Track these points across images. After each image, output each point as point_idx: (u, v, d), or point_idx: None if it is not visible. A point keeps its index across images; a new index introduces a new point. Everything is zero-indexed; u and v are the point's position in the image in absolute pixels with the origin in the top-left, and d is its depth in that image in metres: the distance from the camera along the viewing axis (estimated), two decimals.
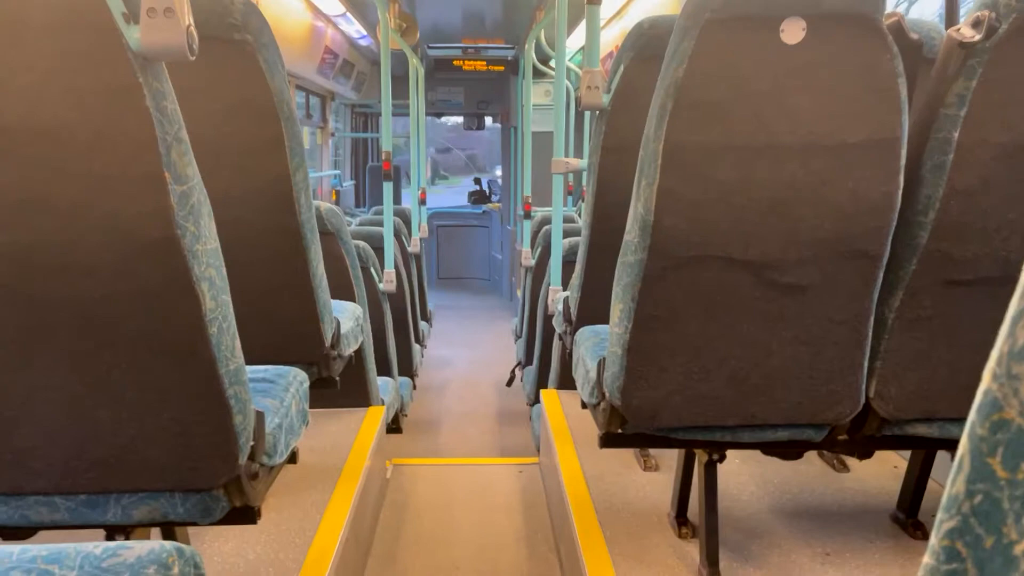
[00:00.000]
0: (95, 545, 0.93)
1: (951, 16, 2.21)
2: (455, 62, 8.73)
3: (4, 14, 1.01)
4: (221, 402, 1.29)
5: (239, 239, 1.72)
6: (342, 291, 2.85)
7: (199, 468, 1.34)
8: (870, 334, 1.64)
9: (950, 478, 0.45)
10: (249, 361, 1.38)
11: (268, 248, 1.98)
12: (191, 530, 1.98)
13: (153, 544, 0.93)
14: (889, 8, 1.50)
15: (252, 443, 1.39)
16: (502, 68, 8.90)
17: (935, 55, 1.54)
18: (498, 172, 13.41)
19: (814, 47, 1.42)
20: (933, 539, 0.45)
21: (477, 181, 11.65)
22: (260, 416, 1.44)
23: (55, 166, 1.08)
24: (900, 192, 1.51)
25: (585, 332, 2.14)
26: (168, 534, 1.70)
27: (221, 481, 1.36)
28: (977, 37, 1.41)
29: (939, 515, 0.45)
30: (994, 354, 0.43)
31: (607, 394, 1.74)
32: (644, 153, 1.52)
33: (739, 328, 1.62)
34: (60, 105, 1.05)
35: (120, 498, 1.37)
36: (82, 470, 1.31)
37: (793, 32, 1.41)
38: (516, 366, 5.27)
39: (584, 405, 2.00)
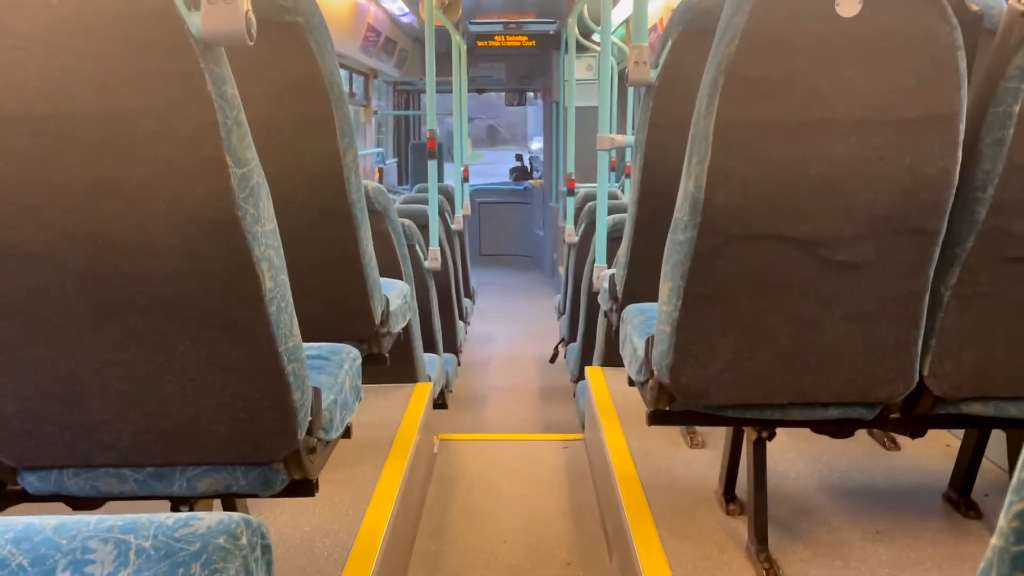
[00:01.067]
0: (167, 516, 0.97)
1: None
2: (496, 37, 8.70)
3: (72, 6, 1.04)
4: (280, 379, 1.33)
5: (291, 218, 1.75)
6: (389, 269, 2.89)
7: (260, 442, 1.38)
8: (925, 312, 1.62)
9: (1021, 461, 0.45)
10: (302, 338, 1.41)
11: (319, 227, 2.02)
12: (249, 502, 2.04)
13: (222, 515, 0.97)
14: None
15: (310, 418, 1.43)
16: (542, 43, 8.84)
17: (996, 26, 1.50)
18: (533, 145, 13.32)
19: (871, 20, 1.39)
20: (1003, 520, 0.46)
21: (519, 157, 11.63)
22: (317, 392, 1.47)
23: (122, 150, 1.11)
24: (958, 167, 1.48)
25: (632, 310, 2.14)
26: (228, 506, 1.76)
27: (281, 455, 1.40)
28: None
29: (1009, 496, 0.46)
30: None
31: (656, 372, 1.74)
32: (695, 130, 1.51)
33: (790, 306, 1.61)
34: (126, 91, 1.08)
35: (185, 470, 1.43)
36: (150, 443, 1.36)
37: (849, 5, 1.38)
38: (559, 343, 5.29)
39: (631, 382, 2.01)
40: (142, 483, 1.43)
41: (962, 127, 1.46)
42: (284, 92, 1.83)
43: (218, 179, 1.14)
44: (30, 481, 1.44)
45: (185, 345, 1.29)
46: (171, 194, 1.15)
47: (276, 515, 2.16)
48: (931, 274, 1.58)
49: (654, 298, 1.77)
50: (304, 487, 1.50)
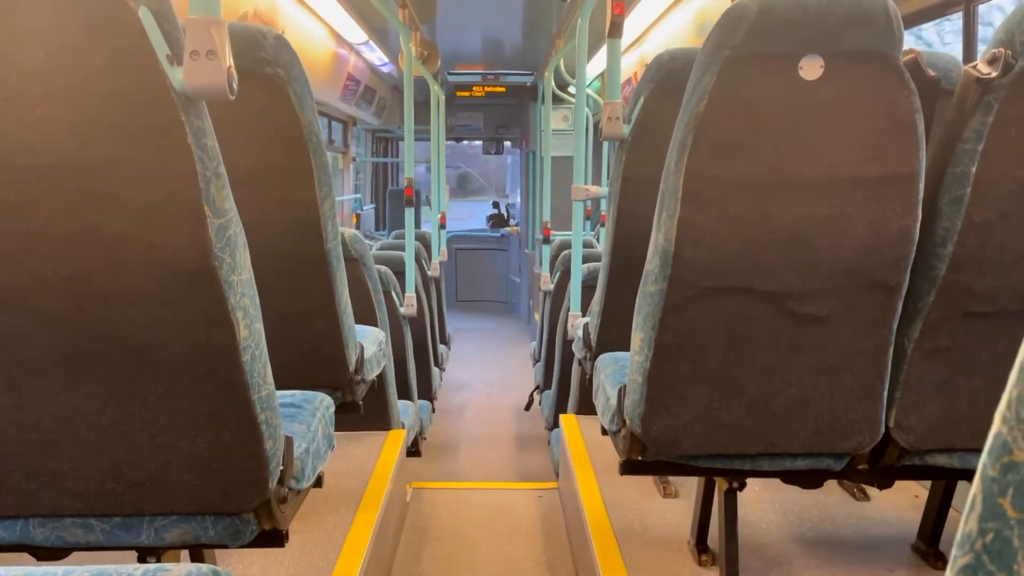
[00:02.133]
0: (135, 567, 0.96)
1: (968, 52, 2.24)
2: (474, 88, 8.84)
3: (57, 56, 1.06)
4: (253, 428, 1.32)
5: (267, 266, 1.77)
6: (364, 316, 2.89)
7: (230, 492, 1.37)
8: (889, 364, 1.65)
9: (964, 515, 0.47)
10: (275, 385, 1.42)
11: (295, 275, 2.03)
12: (218, 552, 2.01)
13: (191, 567, 0.97)
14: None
15: (282, 468, 1.43)
16: (520, 94, 9.00)
17: (953, 87, 1.57)
18: (512, 198, 13.44)
19: (832, 83, 1.45)
20: (948, 574, 0.48)
21: (495, 205, 11.73)
22: (289, 441, 1.47)
23: (102, 200, 1.13)
24: (918, 225, 1.53)
25: (605, 359, 2.16)
26: (196, 556, 1.73)
27: (252, 505, 1.39)
28: (994, 74, 1.43)
29: (954, 551, 0.48)
30: (1004, 397, 0.45)
31: (628, 421, 1.76)
32: (665, 186, 1.55)
33: (759, 357, 1.64)
34: (106, 142, 1.10)
35: (153, 520, 1.41)
36: (118, 493, 1.35)
37: (812, 69, 1.44)
38: (535, 390, 5.29)
39: (604, 431, 2.02)
40: (109, 533, 1.41)
41: (921, 186, 1.51)
42: (263, 142, 1.86)
43: (196, 229, 1.16)
44: None
45: (157, 393, 1.28)
46: (148, 243, 1.16)
47: (245, 566, 2.13)
48: (894, 327, 1.62)
49: (627, 346, 1.79)
50: (274, 537, 1.49)
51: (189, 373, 1.27)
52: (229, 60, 1.11)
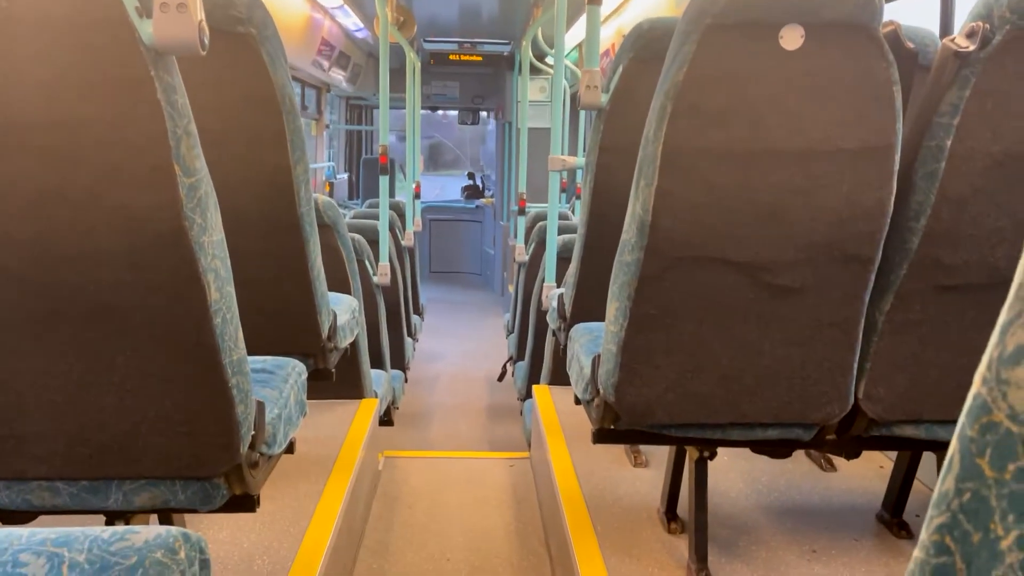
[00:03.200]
0: (102, 529, 0.95)
1: (946, 25, 2.24)
2: (451, 56, 8.74)
3: (22, 10, 1.03)
4: (224, 392, 1.31)
5: (239, 230, 1.74)
6: (337, 284, 2.87)
7: (201, 456, 1.36)
8: (860, 337, 1.67)
9: (940, 476, 0.47)
10: (247, 351, 1.40)
11: (267, 240, 2.00)
12: (188, 517, 2.00)
13: (159, 529, 0.96)
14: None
15: (253, 433, 1.41)
16: (497, 64, 8.91)
17: (931, 63, 1.57)
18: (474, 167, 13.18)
19: (812, 54, 1.45)
20: (924, 534, 0.48)
21: (471, 176, 11.67)
22: (261, 406, 1.46)
23: (70, 158, 1.09)
24: (893, 198, 1.54)
25: (579, 329, 2.16)
26: (165, 521, 1.72)
27: (222, 469, 1.38)
28: (971, 47, 1.44)
29: (929, 511, 0.48)
30: (984, 359, 0.45)
31: (601, 391, 1.76)
32: (643, 154, 1.55)
33: (733, 328, 1.65)
34: (75, 98, 1.07)
35: (122, 484, 1.39)
36: (85, 456, 1.33)
37: (792, 39, 1.44)
38: (508, 361, 5.30)
39: (578, 401, 2.03)
40: (76, 496, 1.39)
41: (897, 159, 1.52)
42: (235, 103, 1.82)
43: (166, 189, 1.13)
44: None
45: (126, 355, 1.26)
46: (117, 203, 1.13)
47: (215, 531, 2.12)
48: (866, 300, 1.64)
49: (602, 318, 1.79)
50: (245, 503, 1.48)
51: (158, 335, 1.25)
52: (200, 14, 1.08)
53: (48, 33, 1.04)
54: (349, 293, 2.94)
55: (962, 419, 0.46)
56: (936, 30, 2.43)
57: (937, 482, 0.48)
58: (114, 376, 1.27)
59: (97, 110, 1.09)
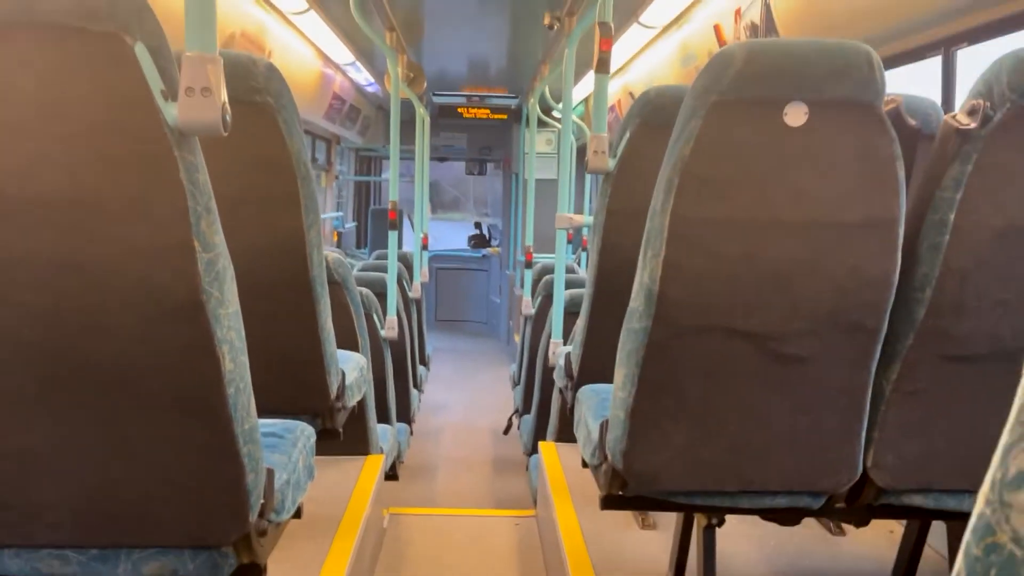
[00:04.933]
0: None
1: (947, 96, 2.29)
2: (459, 109, 8.89)
3: (50, 88, 1.06)
4: (235, 461, 1.32)
5: (251, 292, 1.76)
6: (345, 339, 2.88)
7: (210, 525, 1.36)
8: (868, 405, 1.67)
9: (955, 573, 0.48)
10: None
11: (278, 301, 2.03)
12: None
13: None
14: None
15: (262, 500, 1.42)
16: (504, 116, 9.05)
17: (934, 131, 1.60)
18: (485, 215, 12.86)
19: (816, 130, 1.48)
20: None
21: (478, 225, 11.76)
22: (270, 473, 1.46)
23: (90, 233, 1.12)
24: (898, 269, 1.56)
25: (587, 391, 2.17)
26: None
27: (232, 538, 1.38)
28: (973, 125, 1.47)
29: None
30: (987, 479, 0.46)
31: (609, 456, 1.76)
32: (651, 225, 1.57)
33: (740, 396, 1.65)
34: (99, 176, 1.10)
35: (131, 553, 1.39)
36: (96, 525, 1.33)
37: (796, 116, 1.47)
38: (513, 414, 5.28)
39: (585, 464, 2.03)
40: (86, 565, 1.39)
41: (901, 231, 1.54)
42: (250, 169, 1.86)
43: (185, 263, 1.15)
44: None
45: (138, 426, 1.27)
46: (136, 277, 1.15)
47: None
48: (873, 369, 1.65)
49: (609, 378, 1.80)
50: (252, 572, 1.47)
51: (171, 405, 1.26)
52: (224, 97, 1.12)
53: (73, 113, 1.08)
54: (357, 348, 2.95)
55: (967, 536, 0.47)
56: (937, 98, 2.49)
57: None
58: (126, 445, 1.28)
59: (120, 188, 1.11)
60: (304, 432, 1.77)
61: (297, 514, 1.68)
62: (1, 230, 1.11)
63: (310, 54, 5.15)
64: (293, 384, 2.13)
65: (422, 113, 5.93)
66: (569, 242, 7.00)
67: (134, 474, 1.30)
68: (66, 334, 1.19)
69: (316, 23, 4.53)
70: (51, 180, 1.10)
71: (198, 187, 1.15)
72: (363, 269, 5.33)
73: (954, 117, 1.51)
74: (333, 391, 2.20)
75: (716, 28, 3.59)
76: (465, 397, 7.12)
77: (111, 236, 1.13)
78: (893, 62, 2.75)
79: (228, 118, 1.13)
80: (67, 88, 1.07)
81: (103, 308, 1.17)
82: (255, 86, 1.76)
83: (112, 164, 1.10)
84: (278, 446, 1.64)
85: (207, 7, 1.13)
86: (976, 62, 2.46)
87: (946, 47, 2.50)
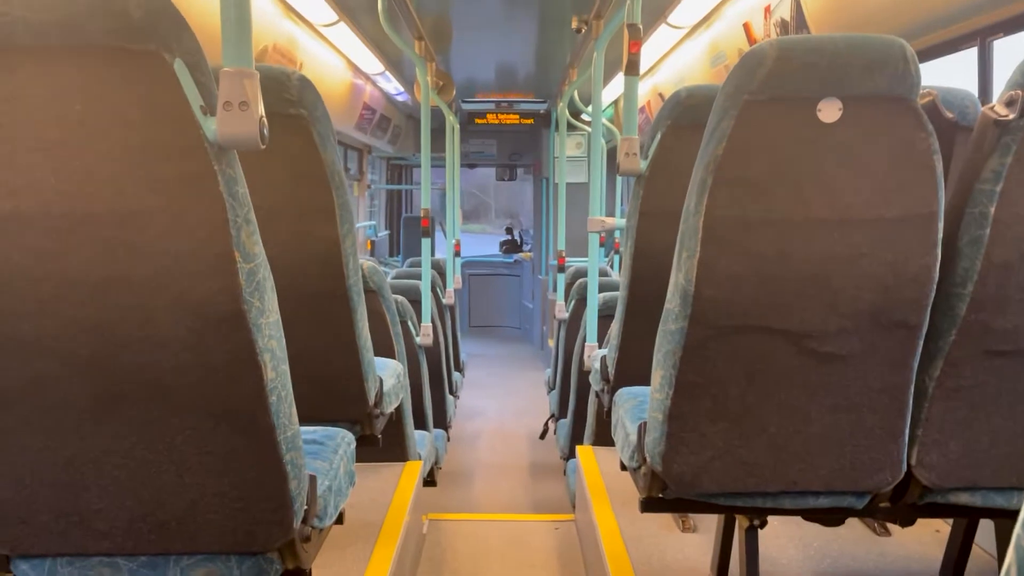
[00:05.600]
0: None
1: (984, 87, 2.25)
2: (488, 115, 8.92)
3: (94, 108, 1.10)
4: (278, 468, 1.34)
5: (289, 302, 1.80)
6: (382, 347, 2.91)
7: (256, 532, 1.38)
8: (910, 403, 1.65)
9: (1004, 571, 0.48)
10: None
11: (316, 311, 2.05)
12: None
13: None
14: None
15: (305, 507, 1.44)
16: (533, 121, 9.06)
17: (971, 123, 1.58)
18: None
19: (851, 126, 1.46)
20: None
21: (509, 231, 11.78)
22: (313, 480, 1.48)
23: (135, 248, 1.15)
24: (938, 264, 1.53)
25: (624, 394, 2.16)
26: None
27: (276, 545, 1.40)
28: (1011, 115, 1.45)
29: None
30: None
31: (648, 459, 1.76)
32: (685, 226, 1.57)
33: (779, 396, 1.64)
34: (142, 192, 1.13)
35: (180, 560, 1.42)
36: (145, 532, 1.36)
37: (830, 112, 1.46)
38: (549, 419, 5.28)
39: (623, 467, 2.02)
40: (135, 572, 1.42)
41: (940, 226, 1.52)
42: (286, 181, 1.89)
43: (226, 275, 1.18)
44: (23, 570, 1.43)
45: (184, 434, 1.30)
46: (179, 289, 1.18)
47: None
48: (915, 366, 1.62)
49: (646, 380, 1.80)
50: None
51: (216, 415, 1.29)
52: (261, 111, 1.14)
53: (117, 132, 1.11)
54: (393, 356, 2.98)
55: (1018, 529, 0.47)
56: (975, 90, 2.45)
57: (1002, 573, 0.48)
58: (174, 455, 1.31)
59: (162, 202, 1.14)
60: (344, 439, 1.79)
61: (339, 520, 1.70)
62: (50, 247, 1.14)
63: (340, 65, 5.21)
64: (332, 392, 2.16)
65: (452, 120, 5.97)
66: (601, 245, 7.00)
67: (182, 482, 1.33)
68: (114, 347, 1.22)
69: (346, 34, 4.58)
70: (96, 197, 1.13)
71: (237, 200, 1.17)
72: (397, 277, 5.37)
73: (992, 108, 1.48)
74: (371, 398, 2.22)
75: (746, 26, 3.57)
76: (500, 403, 7.13)
77: (155, 250, 1.16)
78: (928, 55, 2.71)
79: (266, 131, 1.15)
80: (110, 107, 1.10)
81: (149, 320, 1.20)
82: (289, 99, 1.79)
83: (155, 180, 1.13)
84: (319, 453, 1.66)
85: (243, 22, 1.16)
86: (1013, 53, 2.41)
87: (982, 38, 2.46)
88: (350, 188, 7.63)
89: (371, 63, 5.48)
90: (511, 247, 11.27)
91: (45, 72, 1.09)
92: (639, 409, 1.97)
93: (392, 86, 6.54)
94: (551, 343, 6.48)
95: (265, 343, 1.25)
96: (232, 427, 1.30)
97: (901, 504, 1.79)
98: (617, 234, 6.73)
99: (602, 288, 3.74)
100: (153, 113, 1.11)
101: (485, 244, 11.59)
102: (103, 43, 1.08)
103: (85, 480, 1.32)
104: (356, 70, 5.61)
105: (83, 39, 1.08)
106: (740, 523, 1.92)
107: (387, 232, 9.68)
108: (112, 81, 1.09)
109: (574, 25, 4.09)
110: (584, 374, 3.50)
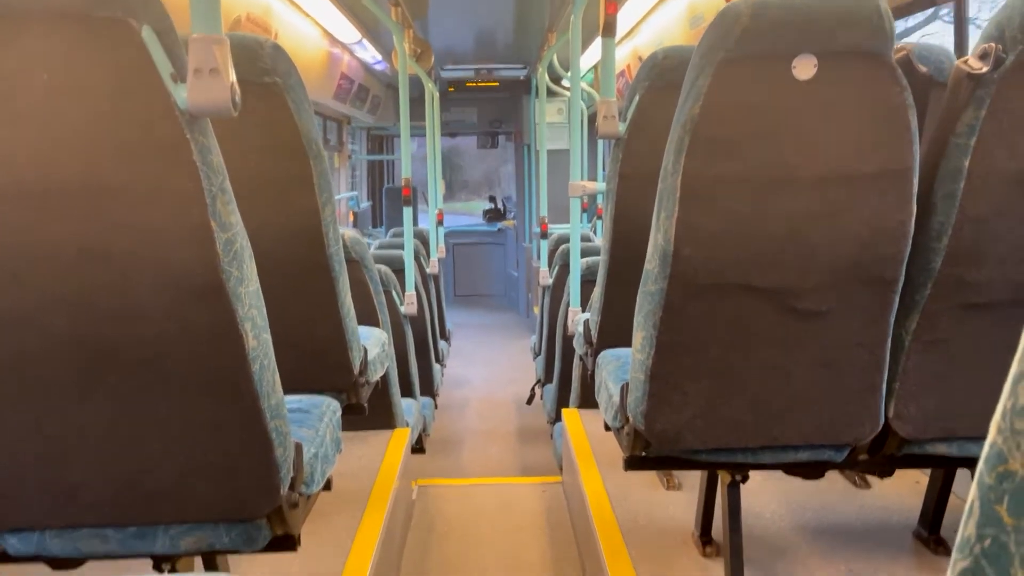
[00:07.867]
0: None
1: (960, 47, 2.25)
2: (468, 83, 8.84)
3: (61, 76, 1.08)
4: (263, 436, 1.35)
5: (270, 274, 1.79)
6: (366, 316, 2.91)
7: (243, 499, 1.39)
8: (888, 357, 1.68)
9: (963, 521, 0.49)
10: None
11: (298, 281, 2.05)
12: (230, 557, 2.04)
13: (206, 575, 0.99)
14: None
15: (292, 474, 1.45)
16: (513, 87, 9.00)
17: (947, 79, 1.59)
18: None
19: (826, 82, 1.47)
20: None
21: (492, 199, 11.74)
22: (299, 447, 1.49)
23: (110, 219, 1.14)
24: (913, 219, 1.55)
25: (607, 356, 2.18)
26: (209, 562, 1.76)
27: (264, 511, 1.42)
28: (985, 68, 1.45)
29: (954, 554, 0.50)
30: (999, 409, 0.47)
31: (631, 418, 1.78)
32: (663, 186, 1.57)
33: (759, 353, 1.66)
34: (114, 163, 1.12)
35: (168, 528, 1.43)
36: (133, 503, 1.37)
37: (805, 68, 1.46)
38: (536, 384, 5.31)
39: (607, 428, 2.05)
40: (124, 542, 1.43)
41: (915, 181, 1.53)
42: (262, 151, 1.87)
43: (203, 244, 1.17)
44: (11, 543, 1.44)
45: (168, 405, 1.31)
46: (156, 260, 1.18)
47: (256, 569, 2.16)
48: (892, 320, 1.65)
49: (628, 342, 1.81)
50: (286, 542, 1.51)
51: (199, 385, 1.29)
52: (232, 77, 1.13)
53: (87, 102, 1.09)
54: (377, 325, 2.98)
55: (980, 466, 0.48)
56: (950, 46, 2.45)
57: (961, 523, 0.50)
58: (159, 426, 1.31)
59: (135, 173, 1.13)
60: (330, 407, 1.80)
61: (327, 487, 1.72)
62: (22, 218, 1.13)
63: (316, 34, 5.13)
64: (316, 361, 2.17)
65: (431, 88, 5.91)
66: (584, 211, 7.00)
67: (168, 452, 1.34)
68: (94, 320, 1.21)
69: (321, 2, 4.51)
70: (68, 167, 1.12)
71: (212, 168, 1.16)
72: (380, 247, 5.36)
73: (966, 62, 1.49)
74: (356, 367, 2.23)
75: None
76: (487, 370, 7.16)
77: (130, 221, 1.15)
78: (905, 10, 2.71)
79: (237, 99, 1.14)
80: (78, 76, 1.09)
81: (128, 292, 1.20)
82: (262, 67, 1.77)
83: (126, 149, 1.12)
84: (305, 421, 1.67)
85: None
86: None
87: None
88: (330, 159, 7.56)
89: (348, 31, 5.41)
90: (494, 215, 11.25)
91: (8, 41, 1.07)
92: (622, 370, 1.99)
93: (369, 55, 6.46)
94: (536, 310, 6.50)
95: (246, 312, 1.26)
96: (216, 397, 1.31)
97: (880, 456, 1.83)
98: (600, 199, 6.72)
99: (585, 253, 3.75)
100: (122, 81, 1.09)
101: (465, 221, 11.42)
102: (68, 10, 1.06)
103: (70, 453, 1.33)
104: (333, 40, 5.53)
105: (47, 6, 1.06)
106: (722, 479, 1.95)
107: (369, 203, 9.63)
108: (79, 49, 1.08)
109: None
110: (568, 339, 3.52)
